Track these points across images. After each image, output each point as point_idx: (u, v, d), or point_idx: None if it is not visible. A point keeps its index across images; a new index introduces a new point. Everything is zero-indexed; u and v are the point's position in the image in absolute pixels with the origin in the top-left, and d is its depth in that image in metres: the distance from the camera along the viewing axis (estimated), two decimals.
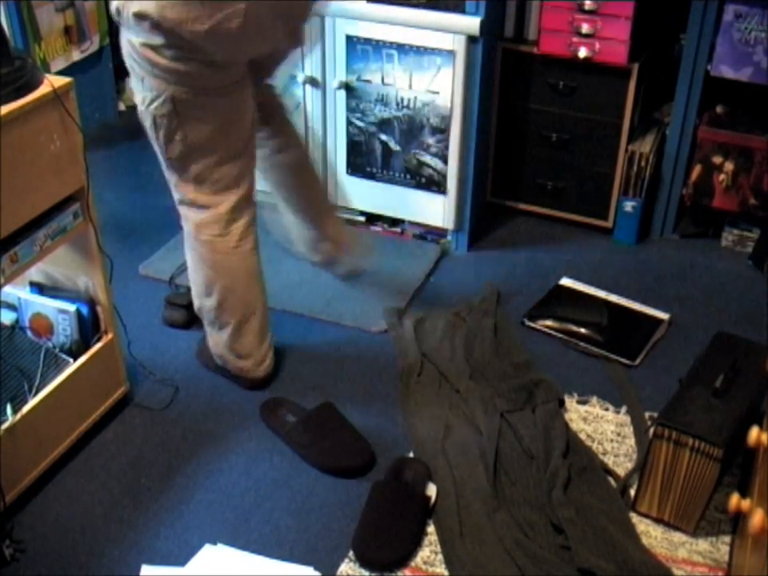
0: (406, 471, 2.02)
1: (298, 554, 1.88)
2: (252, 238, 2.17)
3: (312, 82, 2.78)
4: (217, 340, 2.25)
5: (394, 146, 2.80)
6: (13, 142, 1.70)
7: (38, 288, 2.12)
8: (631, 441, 2.16)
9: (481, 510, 1.95)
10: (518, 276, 2.79)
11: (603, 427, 2.21)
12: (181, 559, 1.86)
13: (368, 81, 2.72)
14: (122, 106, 3.72)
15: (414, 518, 1.92)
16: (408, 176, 2.84)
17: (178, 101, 1.92)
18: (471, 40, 2.55)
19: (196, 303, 2.24)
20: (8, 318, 2.12)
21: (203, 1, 1.78)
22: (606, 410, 2.26)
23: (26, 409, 1.91)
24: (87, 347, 2.09)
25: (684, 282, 2.77)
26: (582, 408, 2.26)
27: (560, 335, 2.52)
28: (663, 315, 2.59)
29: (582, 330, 2.52)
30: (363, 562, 1.85)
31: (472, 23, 2.52)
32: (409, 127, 2.75)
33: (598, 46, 2.65)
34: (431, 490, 1.99)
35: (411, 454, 2.11)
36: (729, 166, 2.76)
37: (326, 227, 2.56)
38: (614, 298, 2.66)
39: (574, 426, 2.20)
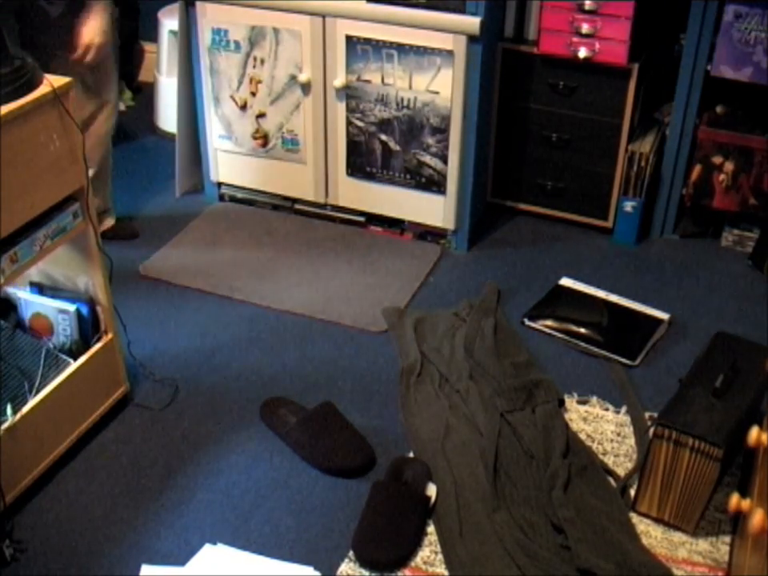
0: (406, 471, 2.02)
1: (298, 554, 1.88)
2: None
3: (312, 82, 2.78)
4: None
5: (393, 146, 2.81)
6: (13, 141, 1.70)
7: (38, 288, 2.12)
8: (631, 441, 2.16)
9: (481, 510, 1.95)
10: (517, 276, 2.79)
11: (603, 427, 2.21)
12: (181, 559, 1.86)
13: (368, 81, 2.72)
14: (121, 106, 3.72)
15: (414, 518, 1.92)
16: (408, 176, 2.84)
17: None
18: (471, 40, 2.55)
19: None
20: (8, 318, 2.12)
21: None
22: (606, 410, 2.26)
23: (26, 409, 1.91)
24: (87, 347, 2.09)
25: (684, 282, 2.77)
26: (582, 408, 2.26)
27: (560, 335, 2.52)
28: (663, 315, 2.59)
29: (582, 330, 2.52)
30: (363, 561, 1.85)
31: (472, 23, 2.52)
32: (409, 127, 2.75)
33: (598, 45, 2.65)
34: (431, 490, 1.99)
35: (411, 454, 2.11)
36: (729, 166, 2.76)
37: None
38: (614, 297, 2.66)
39: (574, 426, 2.20)
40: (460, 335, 2.47)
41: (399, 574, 1.84)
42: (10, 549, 1.84)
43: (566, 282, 2.73)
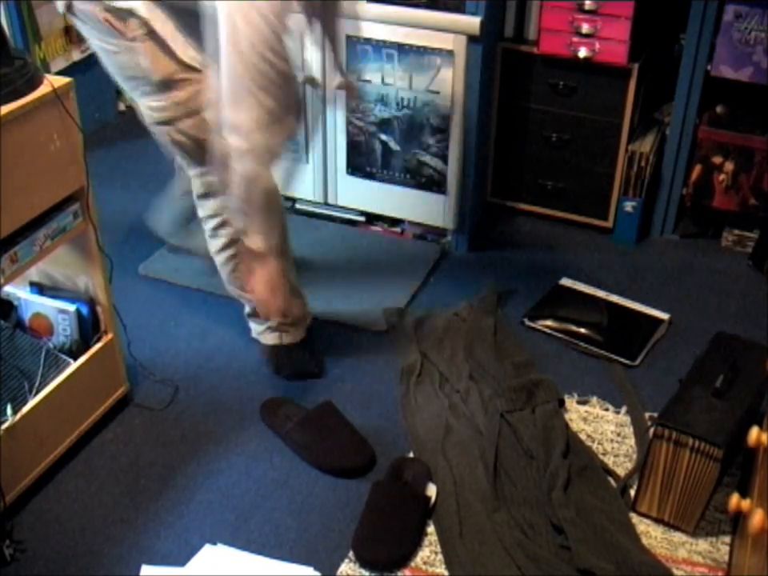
0: (406, 471, 2.02)
1: (298, 554, 1.88)
2: None
3: (312, 82, 2.78)
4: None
5: (393, 145, 2.80)
6: (13, 141, 1.70)
7: (38, 288, 2.12)
8: (631, 441, 2.16)
9: (481, 509, 1.95)
10: (518, 276, 2.79)
11: (603, 427, 2.21)
12: (181, 559, 1.86)
13: (368, 81, 2.72)
14: (121, 106, 3.72)
15: (414, 518, 1.92)
16: (408, 176, 2.84)
17: None
18: (471, 40, 2.55)
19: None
20: (8, 318, 2.12)
21: None
22: (606, 410, 2.26)
23: (26, 409, 1.91)
24: (87, 347, 2.09)
25: (684, 282, 2.77)
26: (582, 408, 2.26)
27: (560, 335, 2.52)
28: (663, 315, 2.59)
29: (582, 330, 2.52)
30: (363, 562, 1.85)
31: (472, 23, 2.52)
32: (409, 127, 2.75)
33: (598, 46, 2.65)
34: (431, 490, 1.99)
35: (411, 454, 2.11)
36: (729, 166, 2.76)
37: None
38: (614, 297, 2.66)
39: (574, 425, 2.20)
40: (460, 335, 2.47)
41: (399, 574, 1.84)
42: (10, 549, 1.84)
43: (565, 282, 2.73)
